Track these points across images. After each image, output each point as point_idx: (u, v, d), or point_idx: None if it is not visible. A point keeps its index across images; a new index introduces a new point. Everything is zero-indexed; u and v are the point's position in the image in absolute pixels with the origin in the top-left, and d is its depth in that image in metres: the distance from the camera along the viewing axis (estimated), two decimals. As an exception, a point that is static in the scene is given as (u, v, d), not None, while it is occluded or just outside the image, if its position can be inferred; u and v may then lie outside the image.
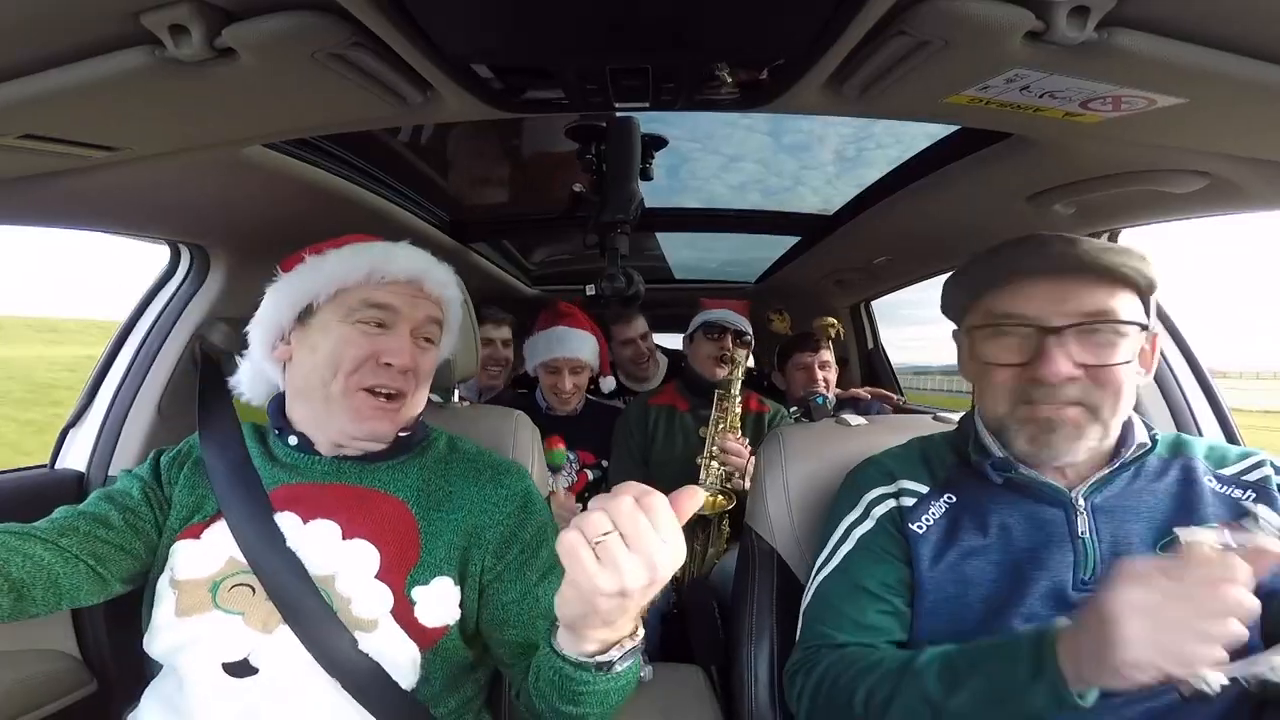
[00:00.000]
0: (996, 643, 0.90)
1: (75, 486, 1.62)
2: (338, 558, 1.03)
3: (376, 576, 1.02)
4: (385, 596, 1.01)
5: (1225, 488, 1.03)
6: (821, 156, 1.99)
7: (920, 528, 1.10)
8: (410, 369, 1.10)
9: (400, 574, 1.03)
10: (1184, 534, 0.80)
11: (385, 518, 1.07)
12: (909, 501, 1.13)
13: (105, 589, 1.04)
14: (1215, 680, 0.73)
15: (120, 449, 1.66)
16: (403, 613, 1.01)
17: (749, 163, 2.12)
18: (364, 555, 1.03)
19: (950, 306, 1.18)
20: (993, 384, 1.06)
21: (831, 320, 2.72)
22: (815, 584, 1.16)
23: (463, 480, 1.13)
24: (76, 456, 1.67)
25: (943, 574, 1.06)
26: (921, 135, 1.61)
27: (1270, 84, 0.80)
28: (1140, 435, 1.06)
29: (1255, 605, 0.73)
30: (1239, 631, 0.72)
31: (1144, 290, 1.02)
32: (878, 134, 1.73)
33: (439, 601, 1.04)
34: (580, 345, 2.55)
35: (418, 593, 1.02)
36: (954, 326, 1.19)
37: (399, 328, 1.10)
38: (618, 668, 0.83)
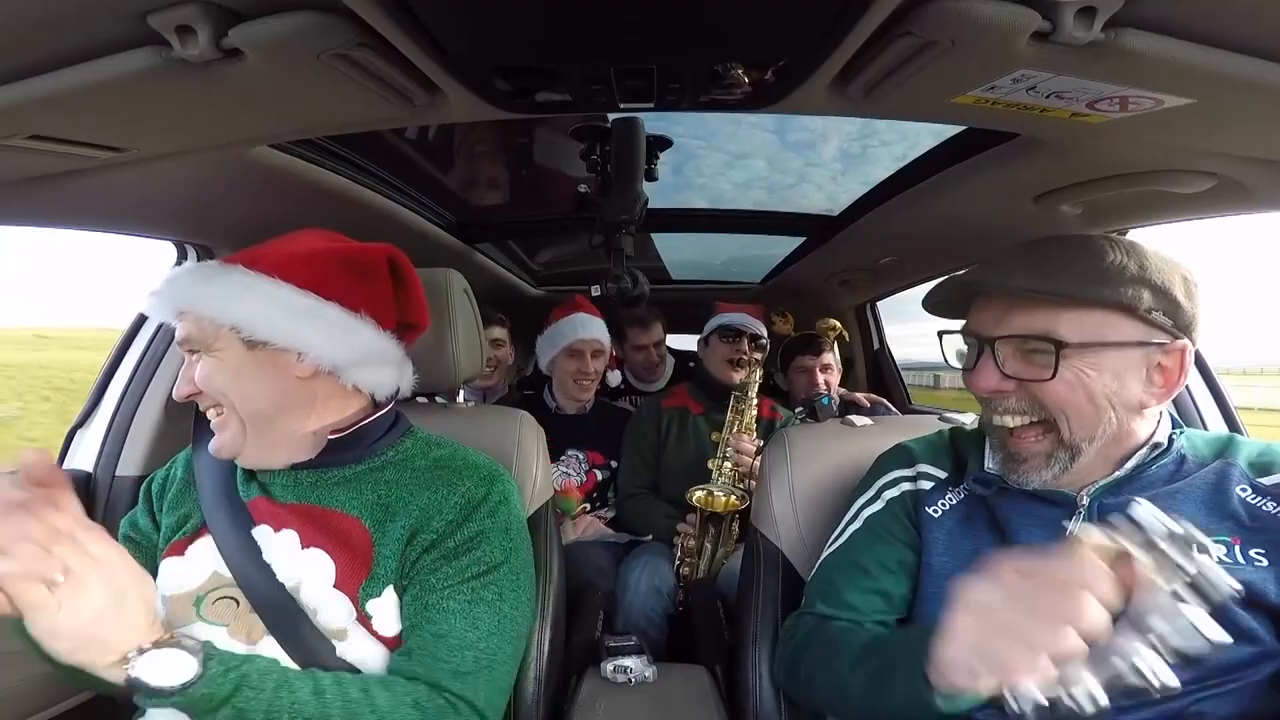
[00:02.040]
0: (917, 628, 0.91)
1: (82, 487, 1.63)
2: (299, 567, 1.02)
3: (333, 586, 1.02)
4: (346, 605, 1.01)
5: (1259, 498, 0.97)
6: (826, 154, 1.99)
7: (936, 511, 1.11)
8: (189, 390, 1.06)
9: (354, 585, 1.02)
10: (1079, 531, 0.74)
11: (341, 533, 1.05)
12: (926, 485, 1.14)
13: None
14: (1026, 697, 0.66)
15: (127, 450, 1.67)
16: (364, 622, 1.01)
17: (754, 160, 2.12)
18: (321, 564, 1.03)
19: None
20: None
21: (834, 323, 2.71)
22: (820, 560, 1.20)
23: (419, 486, 1.09)
24: (84, 457, 1.68)
25: (955, 562, 1.05)
26: (927, 134, 1.61)
27: (1278, 85, 0.79)
28: (1157, 435, 1.02)
29: (1101, 619, 0.66)
30: (1071, 645, 0.66)
31: (1130, 310, 0.95)
32: (882, 131, 1.72)
33: (391, 611, 1.03)
34: (599, 329, 2.62)
35: (372, 605, 1.02)
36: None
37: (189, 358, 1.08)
38: (152, 680, 0.81)
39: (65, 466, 1.68)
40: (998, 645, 0.70)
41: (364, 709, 0.92)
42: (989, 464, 1.10)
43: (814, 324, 2.75)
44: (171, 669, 0.82)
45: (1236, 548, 0.94)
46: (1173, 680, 0.63)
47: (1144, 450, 1.01)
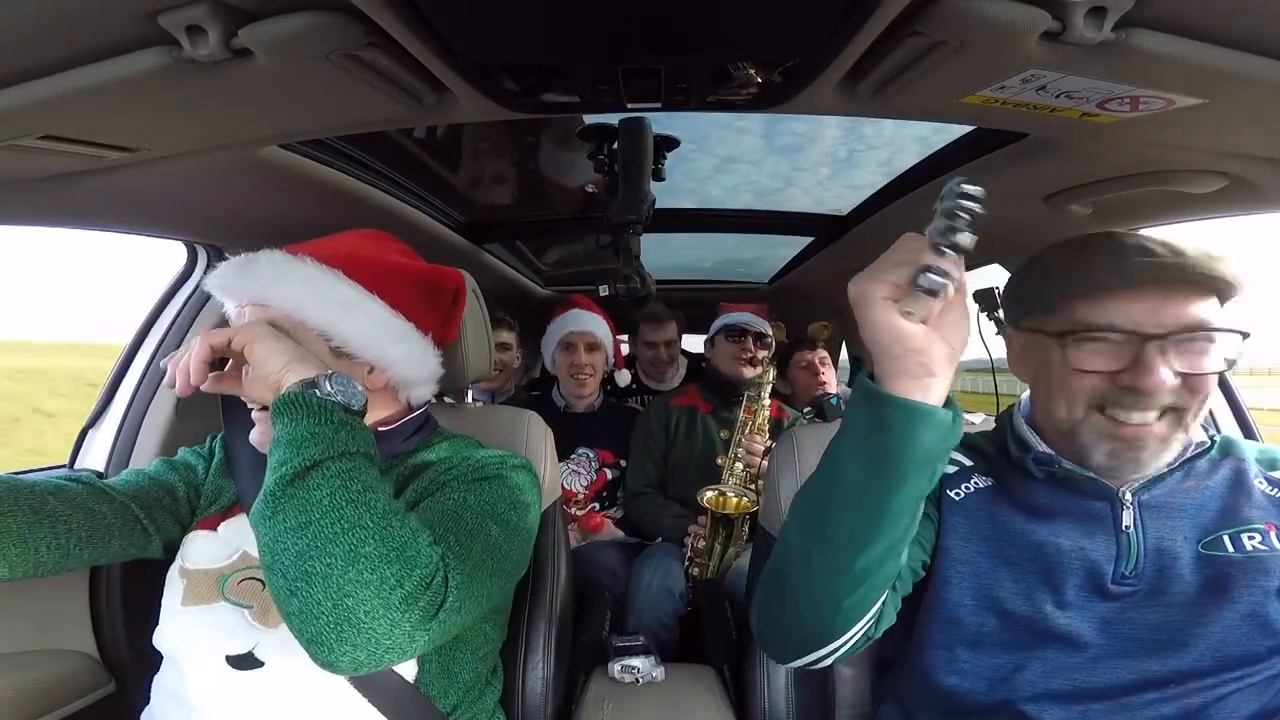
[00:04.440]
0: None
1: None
2: None
3: None
4: None
5: (1276, 490, 1.03)
6: (814, 158, 2.00)
7: (958, 494, 1.09)
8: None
9: None
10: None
11: None
12: (950, 469, 1.12)
13: (149, 547, 1.09)
14: (931, 277, 0.75)
15: (138, 449, 1.68)
16: None
17: (742, 164, 2.13)
18: None
19: (1015, 305, 1.12)
20: (1072, 388, 0.99)
21: (824, 323, 2.75)
22: None
23: (444, 470, 1.10)
24: (95, 456, 1.69)
25: (978, 549, 1.05)
26: (911, 139, 1.61)
27: (1291, 83, 0.79)
28: (1198, 435, 1.05)
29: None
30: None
31: (1225, 296, 0.96)
32: (869, 136, 1.73)
33: None
34: (594, 323, 2.64)
35: None
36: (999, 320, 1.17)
37: None
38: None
39: (76, 466, 1.69)
40: (894, 258, 0.78)
41: (397, 513, 0.88)
42: (1037, 445, 1.07)
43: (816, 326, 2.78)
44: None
45: (1272, 534, 0.97)
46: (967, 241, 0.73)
47: (1193, 448, 1.04)
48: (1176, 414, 0.96)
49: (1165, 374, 0.92)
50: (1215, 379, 0.96)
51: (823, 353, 2.74)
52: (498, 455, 1.13)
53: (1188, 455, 1.03)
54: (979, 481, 1.10)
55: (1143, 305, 0.94)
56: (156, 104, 0.91)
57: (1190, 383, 0.94)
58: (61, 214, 1.31)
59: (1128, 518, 1.00)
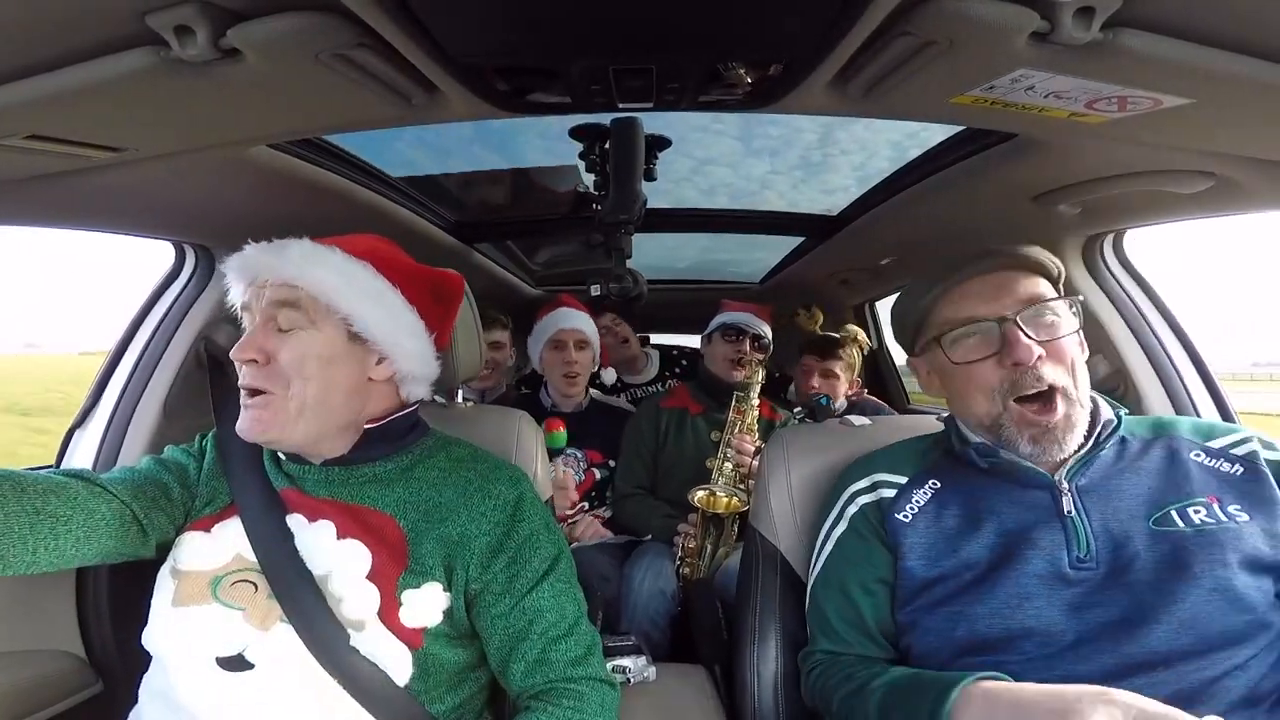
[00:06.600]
0: (930, 678, 0.96)
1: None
2: (332, 557, 1.04)
3: (366, 577, 1.03)
4: (373, 597, 1.01)
5: (1214, 461, 1.07)
6: (789, 160, 2.02)
7: (906, 516, 1.14)
8: (256, 357, 1.04)
9: (390, 577, 1.03)
10: None
11: (375, 528, 1.07)
12: (889, 493, 1.18)
13: (143, 547, 1.08)
14: None
15: (125, 450, 1.67)
16: (388, 613, 1.02)
17: (719, 166, 2.14)
18: (357, 555, 1.04)
19: (903, 334, 1.25)
20: (975, 384, 1.10)
21: (855, 331, 2.73)
22: (809, 587, 1.24)
23: (451, 490, 1.12)
24: (82, 457, 1.67)
25: (936, 556, 1.09)
26: (883, 143, 1.62)
27: (1277, 84, 0.79)
28: (1106, 413, 1.12)
29: None
30: None
31: (1055, 279, 1.13)
32: (842, 140, 1.73)
33: (425, 605, 1.04)
34: (583, 321, 2.62)
35: (407, 595, 1.03)
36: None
37: (253, 324, 1.09)
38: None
39: (63, 466, 1.68)
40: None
41: None
42: (975, 437, 1.15)
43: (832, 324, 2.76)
44: None
45: (1215, 506, 1.01)
46: None
47: (1099, 428, 1.10)
48: (1063, 392, 1.05)
49: (1031, 344, 1.04)
50: (1075, 347, 1.07)
51: (830, 365, 2.67)
52: (513, 496, 1.14)
53: (1105, 433, 1.09)
54: (921, 495, 1.15)
55: (988, 292, 1.10)
56: (144, 104, 0.91)
57: (1052, 350, 1.05)
58: (47, 214, 1.30)
59: (1068, 503, 1.05)
